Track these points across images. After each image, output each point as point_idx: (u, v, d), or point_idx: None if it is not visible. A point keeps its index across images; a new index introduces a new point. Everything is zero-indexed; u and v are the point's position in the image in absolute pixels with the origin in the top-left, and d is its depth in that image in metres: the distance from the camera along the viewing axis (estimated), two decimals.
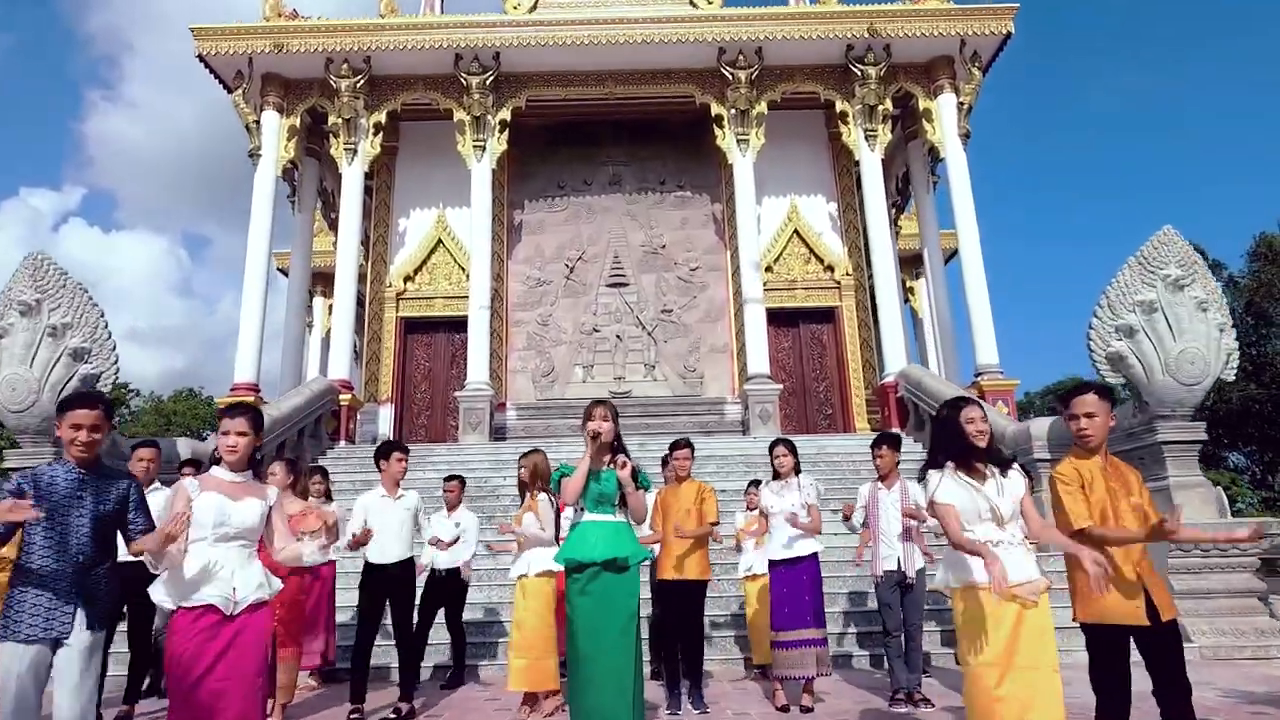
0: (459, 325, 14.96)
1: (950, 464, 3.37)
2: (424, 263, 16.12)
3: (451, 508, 6.66)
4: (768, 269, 15.35)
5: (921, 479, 3.59)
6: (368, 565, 5.45)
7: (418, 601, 5.99)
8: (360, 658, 5.28)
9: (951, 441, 3.40)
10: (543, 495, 5.55)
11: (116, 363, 8.31)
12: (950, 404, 3.52)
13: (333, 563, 6.65)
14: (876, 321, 16.18)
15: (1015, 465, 3.47)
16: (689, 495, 5.72)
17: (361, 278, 16.15)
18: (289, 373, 15.64)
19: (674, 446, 5.84)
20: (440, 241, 16.14)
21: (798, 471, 5.70)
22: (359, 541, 5.12)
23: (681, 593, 5.56)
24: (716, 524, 5.73)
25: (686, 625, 5.57)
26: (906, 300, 20.04)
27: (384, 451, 5.57)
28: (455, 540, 6.47)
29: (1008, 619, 3.09)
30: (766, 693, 6.01)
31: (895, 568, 5.55)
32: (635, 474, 3.96)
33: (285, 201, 16.91)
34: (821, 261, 16.02)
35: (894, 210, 17.58)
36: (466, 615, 6.96)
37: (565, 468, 4.07)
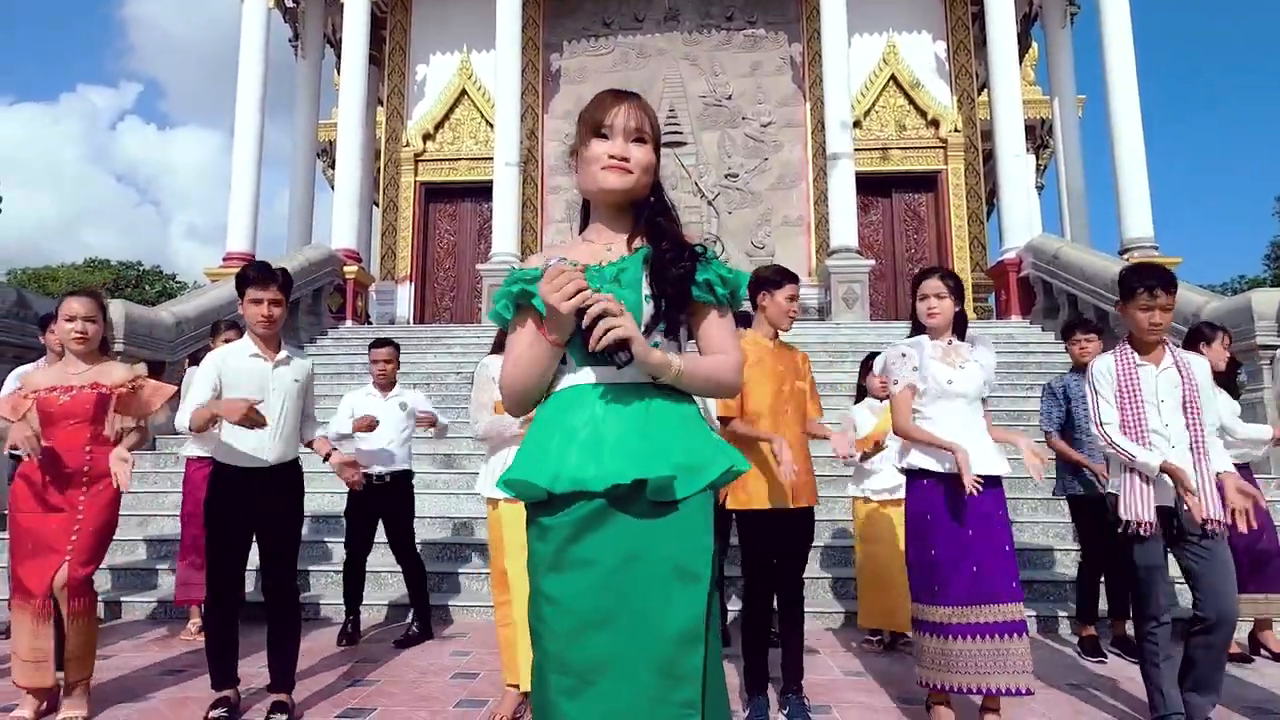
0: (486, 192, 12.63)
1: None
2: (446, 118, 13.73)
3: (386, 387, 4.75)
4: (855, 124, 12.49)
5: None
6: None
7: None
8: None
9: None
10: (490, 358, 3.27)
11: None
12: None
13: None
14: (990, 191, 13.34)
15: None
16: (794, 361, 3.38)
17: (377, 153, 13.92)
18: (296, 245, 13.66)
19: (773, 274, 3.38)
20: (465, 92, 13.68)
21: (961, 335, 3.21)
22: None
23: (786, 531, 3.26)
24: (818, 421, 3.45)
25: (786, 584, 3.33)
26: None
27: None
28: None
29: None
30: (886, 678, 3.87)
31: (1168, 504, 2.90)
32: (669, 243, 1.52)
33: (288, 48, 14.59)
34: (923, 115, 13.08)
35: None
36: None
37: (520, 273, 1.52)
